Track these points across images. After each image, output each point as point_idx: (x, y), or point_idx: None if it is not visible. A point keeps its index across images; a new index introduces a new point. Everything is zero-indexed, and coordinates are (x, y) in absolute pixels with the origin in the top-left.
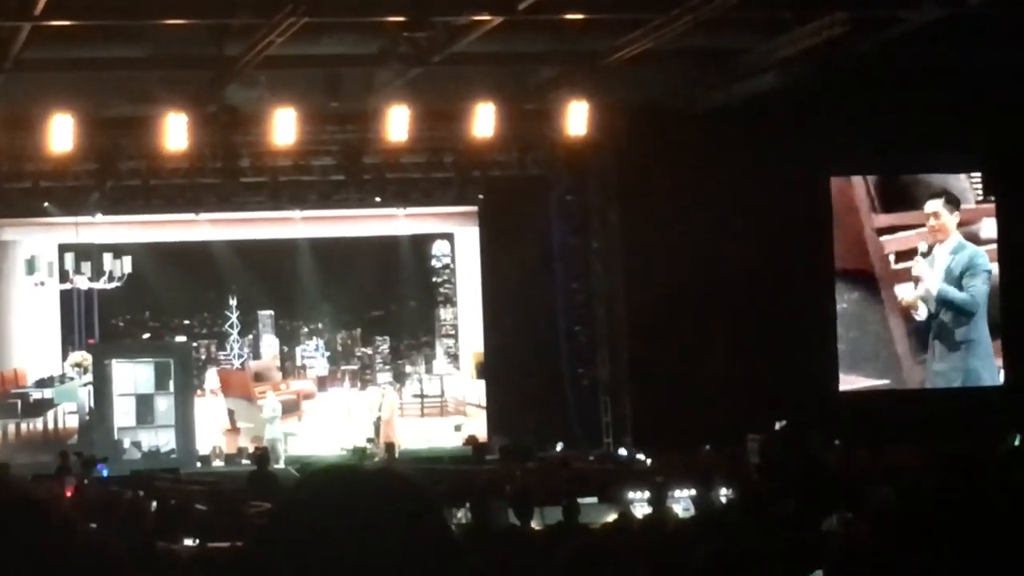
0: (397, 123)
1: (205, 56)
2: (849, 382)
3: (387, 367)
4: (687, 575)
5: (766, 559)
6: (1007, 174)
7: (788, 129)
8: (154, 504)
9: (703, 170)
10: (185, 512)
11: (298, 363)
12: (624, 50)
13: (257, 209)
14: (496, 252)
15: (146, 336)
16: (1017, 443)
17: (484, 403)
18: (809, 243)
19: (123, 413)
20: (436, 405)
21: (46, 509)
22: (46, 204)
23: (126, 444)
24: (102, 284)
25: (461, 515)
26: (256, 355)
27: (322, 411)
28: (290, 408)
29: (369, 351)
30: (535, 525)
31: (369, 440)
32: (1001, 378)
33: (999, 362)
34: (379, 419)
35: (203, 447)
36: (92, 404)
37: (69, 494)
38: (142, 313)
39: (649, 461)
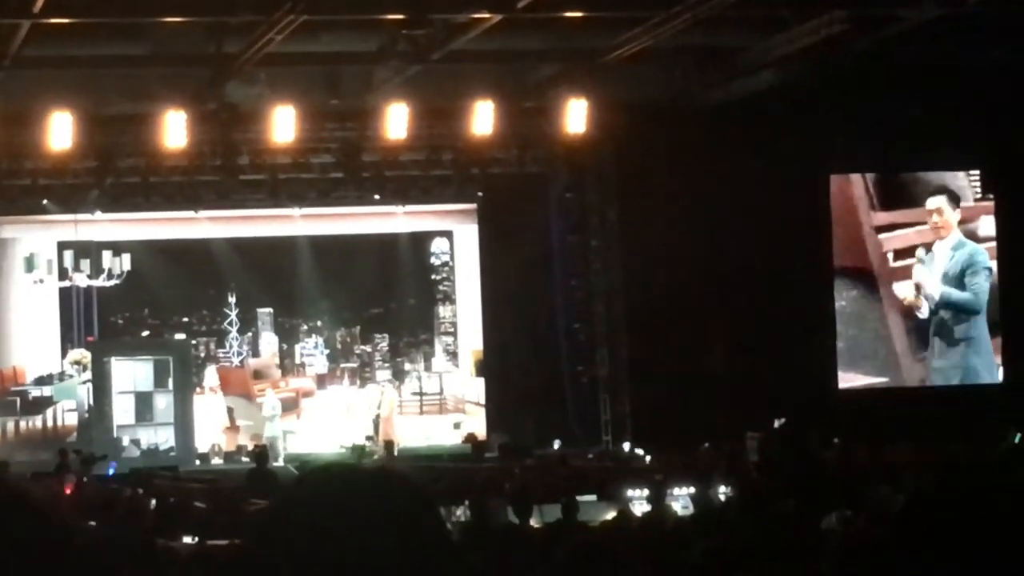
0: (396, 121)
1: (204, 54)
2: (848, 380)
3: (386, 365)
4: (686, 573)
5: (765, 557)
6: (1006, 172)
7: (787, 127)
8: (153, 502)
9: (702, 168)
10: (184, 510)
11: (297, 361)
12: (623, 48)
13: (256, 207)
14: (495, 250)
15: (145, 334)
16: (1017, 441)
17: (483, 401)
18: (808, 241)
19: (122, 411)
20: (435, 403)
21: (44, 509)
22: (45, 201)
23: (125, 442)
24: (101, 282)
25: (460, 513)
26: (255, 353)
27: (321, 409)
28: (289, 406)
29: (368, 349)
30: (534, 523)
31: (368, 438)
32: (1000, 376)
33: (998, 360)
34: (378, 417)
35: (202, 445)
36: (91, 402)
37: (68, 492)
38: (141, 311)
39: (648, 459)
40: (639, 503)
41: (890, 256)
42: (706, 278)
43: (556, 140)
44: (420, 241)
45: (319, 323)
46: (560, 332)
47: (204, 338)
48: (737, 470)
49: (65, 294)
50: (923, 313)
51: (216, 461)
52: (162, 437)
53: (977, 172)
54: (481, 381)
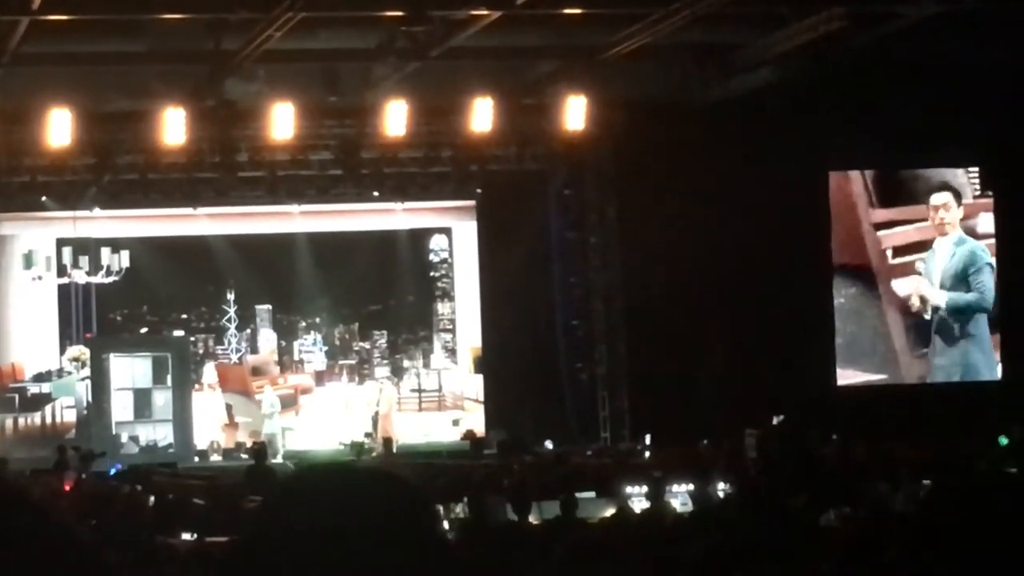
0: (395, 117)
1: (203, 50)
2: (847, 377)
3: (385, 361)
4: (685, 570)
5: (764, 554)
6: (1005, 169)
7: (786, 124)
8: (152, 499)
9: (701, 165)
10: (183, 507)
11: (296, 357)
12: (622, 45)
13: (255, 203)
14: (494, 247)
15: (144, 330)
16: (1004, 443)
17: (482, 398)
18: (807, 238)
19: (121, 407)
20: (434, 399)
21: (43, 507)
22: (44, 198)
23: (124, 438)
24: (100, 278)
25: (459, 510)
26: (254, 349)
27: (320, 405)
28: (288, 402)
29: (367, 345)
30: (533, 520)
31: (367, 435)
32: (999, 373)
33: (998, 356)
34: (377, 413)
35: (201, 442)
36: (90, 398)
37: (67, 489)
38: (140, 307)
39: (647, 455)
40: (638, 500)
41: (889, 253)
42: (705, 275)
43: (555, 137)
44: (419, 238)
45: (318, 320)
46: (559, 329)
47: (203, 335)
48: (736, 467)
49: (64, 291)
50: (927, 315)
51: (215, 458)
52: (161, 434)
53: (976, 169)
54: (480, 378)
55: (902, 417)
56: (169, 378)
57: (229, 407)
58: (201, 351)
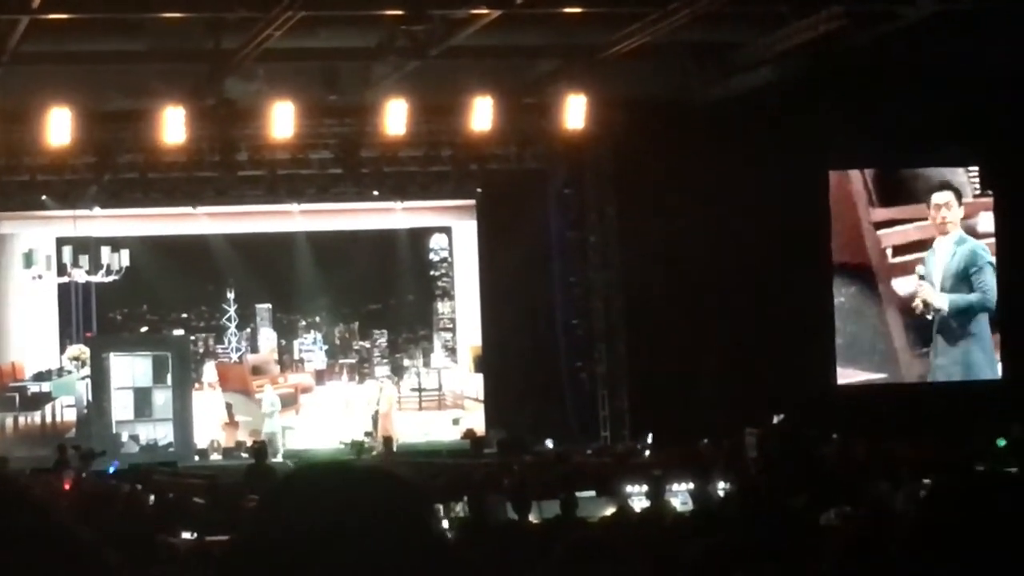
0: (395, 117)
1: (203, 50)
2: (846, 376)
3: (385, 361)
4: (685, 569)
5: (764, 553)
6: (1005, 168)
7: (786, 123)
8: (152, 498)
9: (701, 164)
10: (183, 506)
11: (296, 357)
12: (622, 44)
13: (255, 202)
14: (494, 246)
15: (144, 329)
16: (1003, 444)
17: (482, 397)
18: (807, 237)
19: (121, 406)
20: (434, 399)
21: (42, 506)
22: (44, 197)
23: (124, 438)
24: (100, 277)
25: (459, 509)
26: (254, 348)
27: (320, 405)
28: (288, 402)
29: (367, 345)
30: (533, 519)
31: (367, 434)
32: (999, 372)
33: (998, 356)
34: (377, 413)
35: (201, 441)
36: (90, 397)
37: (67, 488)
38: (140, 306)
39: (647, 454)
40: (638, 499)
41: (889, 252)
42: (705, 274)
43: (555, 136)
44: (419, 237)
45: (318, 319)
46: (559, 328)
47: (203, 334)
48: (736, 466)
49: (64, 290)
50: (929, 315)
51: (215, 457)
52: (161, 433)
53: (976, 168)
54: (480, 377)
55: (902, 416)
56: (169, 377)
57: (229, 406)
58: (201, 350)
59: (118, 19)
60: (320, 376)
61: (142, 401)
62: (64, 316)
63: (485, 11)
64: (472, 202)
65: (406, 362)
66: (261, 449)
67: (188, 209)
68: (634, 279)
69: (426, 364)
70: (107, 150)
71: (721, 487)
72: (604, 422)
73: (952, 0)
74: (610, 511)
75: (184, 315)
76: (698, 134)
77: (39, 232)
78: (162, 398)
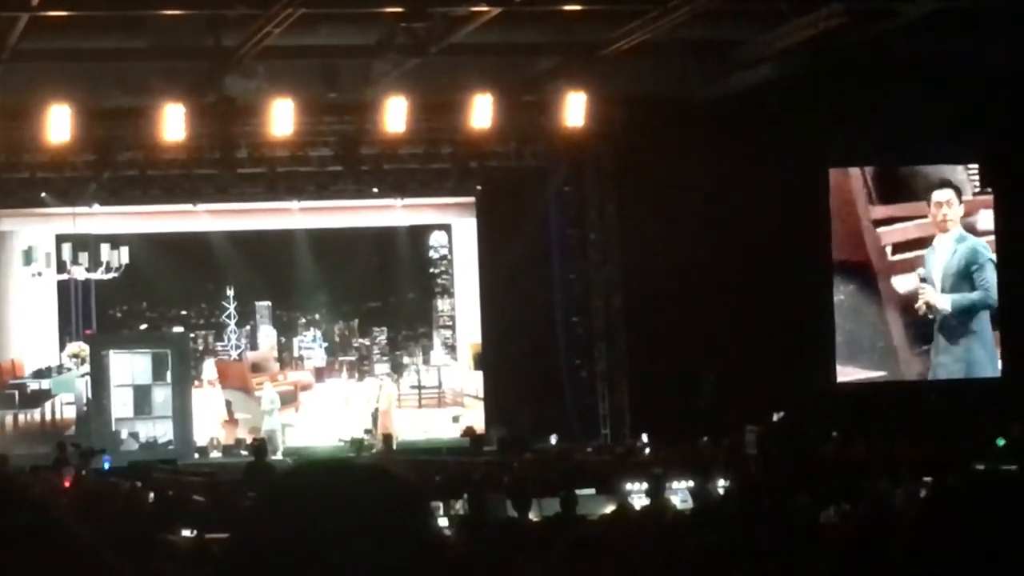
0: (395, 114)
1: (203, 47)
2: (846, 374)
3: (385, 358)
4: (685, 567)
5: (763, 551)
6: (1005, 165)
7: (786, 120)
8: (151, 495)
9: (700, 161)
10: (183, 503)
11: (296, 354)
12: (622, 41)
13: (255, 200)
14: (494, 243)
15: (143, 327)
16: (1003, 443)
17: (482, 394)
18: (807, 234)
19: (121, 404)
20: (434, 396)
21: (41, 504)
22: (43, 194)
23: (124, 435)
24: (99, 275)
25: (459, 506)
26: (254, 346)
27: (320, 402)
28: (288, 399)
29: (367, 342)
30: (533, 516)
31: (367, 431)
32: (999, 370)
33: (999, 354)
34: (377, 410)
35: (201, 438)
36: (90, 395)
37: (67, 485)
38: (139, 304)
39: (647, 452)
40: (638, 497)
41: (888, 250)
42: (705, 272)
43: (555, 134)
44: (418, 234)
45: (317, 316)
46: (559, 326)
47: (202, 331)
48: (736, 464)
49: (63, 287)
50: (931, 314)
51: (215, 454)
52: (160, 430)
53: (976, 166)
54: (479, 374)
55: (902, 414)
56: (169, 374)
57: (229, 403)
58: (201, 347)
59: (118, 16)
60: (320, 373)
61: (142, 398)
62: (64, 313)
63: (485, 8)
64: (472, 199)
65: (406, 359)
66: (261, 447)
67: (188, 206)
68: (634, 277)
69: (426, 361)
70: (107, 147)
71: (721, 485)
72: (604, 420)
73: None
74: (610, 509)
75: (184, 312)
76: (698, 131)
77: (39, 229)
78: (162, 395)
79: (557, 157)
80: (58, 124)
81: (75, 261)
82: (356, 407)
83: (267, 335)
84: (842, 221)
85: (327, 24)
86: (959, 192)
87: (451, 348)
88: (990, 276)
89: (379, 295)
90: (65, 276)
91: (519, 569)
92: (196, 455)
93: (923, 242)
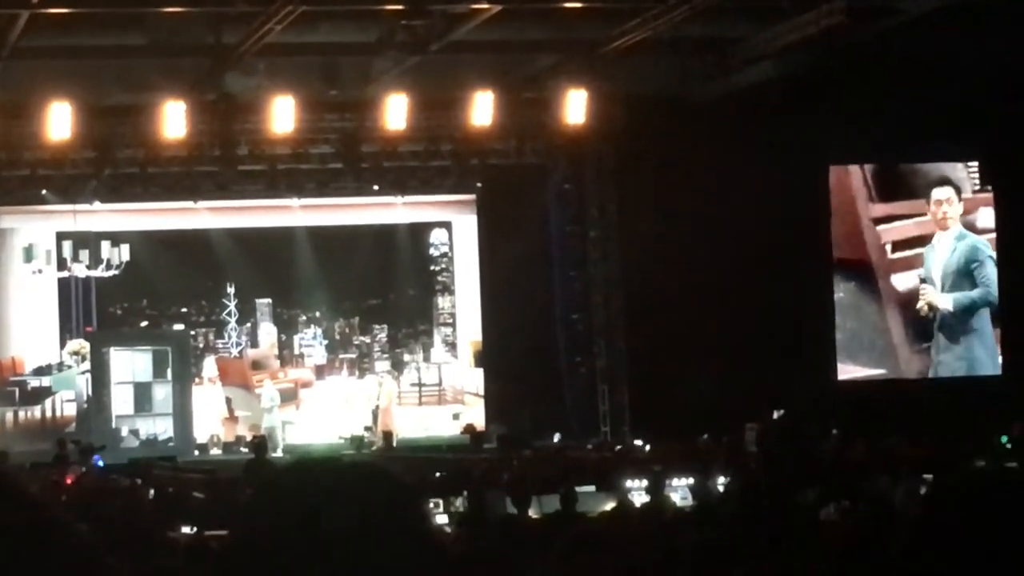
0: (395, 111)
1: (203, 44)
2: (846, 372)
3: (385, 356)
4: (685, 564)
5: (764, 548)
6: (1005, 163)
7: (785, 118)
8: (152, 492)
9: (700, 159)
10: (183, 500)
11: (296, 351)
12: (622, 39)
13: (255, 197)
14: (494, 241)
15: (144, 324)
16: (1005, 440)
17: (482, 392)
18: (807, 232)
19: (121, 401)
20: (434, 394)
21: (41, 506)
22: (44, 192)
23: (124, 432)
24: (100, 272)
25: (459, 504)
26: (254, 343)
27: (320, 400)
28: (288, 396)
29: (367, 339)
30: (532, 514)
31: (367, 429)
32: (1000, 368)
33: (999, 352)
34: (377, 408)
35: (201, 435)
36: (90, 392)
37: (68, 482)
38: (140, 301)
39: (647, 449)
40: (638, 494)
41: (888, 248)
42: (705, 270)
43: (555, 131)
44: (419, 232)
45: (318, 314)
46: (559, 323)
47: (203, 328)
48: (736, 461)
49: (64, 284)
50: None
51: (215, 452)
52: (161, 427)
53: (975, 163)
54: (480, 372)
55: (902, 412)
56: (169, 372)
57: (229, 401)
58: (201, 345)
59: (118, 13)
60: (320, 371)
61: (142, 396)
62: (64, 311)
63: (485, 6)
64: (472, 197)
65: (406, 357)
66: (261, 444)
67: (188, 204)
68: (634, 274)
69: (426, 359)
70: (107, 145)
71: (721, 482)
72: (604, 417)
73: None
74: (610, 506)
75: (184, 310)
76: (698, 129)
77: (39, 227)
78: (162, 393)
79: (557, 154)
80: (59, 121)
81: (76, 258)
82: (356, 405)
83: (267, 332)
84: (842, 219)
85: (328, 21)
86: (958, 190)
87: (451, 345)
88: (991, 273)
89: (379, 292)
90: (66, 273)
91: (519, 566)
92: (196, 452)
93: (923, 240)
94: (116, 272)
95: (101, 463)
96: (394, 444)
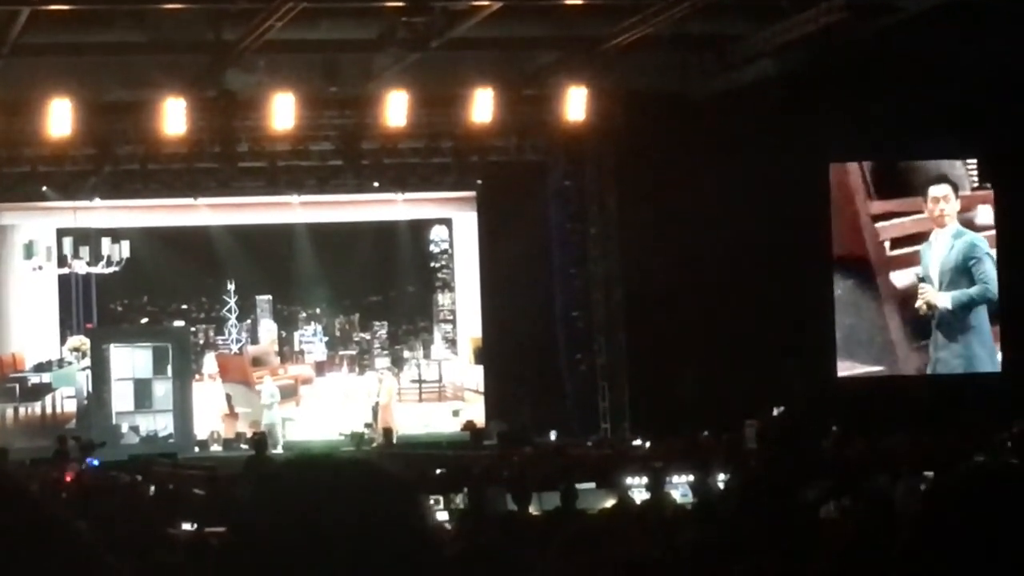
0: (395, 108)
1: (204, 41)
2: (844, 368)
3: (385, 352)
4: (685, 561)
5: (763, 545)
6: (1004, 161)
7: (785, 115)
8: (152, 489)
9: (700, 156)
10: (183, 497)
11: (296, 348)
12: (622, 36)
13: (255, 194)
14: (494, 238)
15: (144, 321)
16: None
17: (482, 389)
18: (806, 229)
19: (121, 398)
20: (434, 390)
21: (41, 504)
22: (44, 188)
23: (124, 429)
24: (100, 268)
25: (459, 500)
26: (254, 340)
27: (320, 396)
28: (288, 393)
29: (367, 336)
30: (533, 511)
31: (367, 425)
32: (999, 365)
33: (998, 348)
34: (377, 404)
35: (201, 432)
36: (90, 389)
37: (68, 479)
38: (140, 298)
39: (647, 446)
40: (638, 491)
41: (887, 245)
42: (704, 266)
43: (555, 128)
44: (419, 229)
45: (318, 310)
46: (559, 320)
47: (203, 325)
48: (736, 458)
49: (64, 281)
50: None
51: (215, 448)
52: (161, 424)
53: (974, 161)
54: (480, 369)
55: (902, 409)
56: (169, 368)
57: (229, 397)
58: (201, 341)
59: (118, 10)
60: (320, 367)
61: (142, 392)
62: (64, 307)
63: (486, 3)
64: (472, 194)
65: (406, 354)
66: (261, 440)
67: (188, 200)
68: (634, 271)
69: (426, 356)
70: (108, 141)
71: (721, 479)
72: (604, 414)
73: None
74: (610, 503)
75: (184, 306)
76: (698, 126)
77: (40, 223)
78: (162, 389)
79: (557, 151)
80: (59, 118)
81: (76, 255)
82: (356, 401)
83: (267, 329)
84: (840, 216)
85: (328, 18)
86: (956, 187)
87: (451, 342)
88: (989, 270)
89: (380, 289)
90: (66, 270)
91: (519, 563)
92: (196, 449)
93: (921, 237)
94: (116, 269)
95: (96, 463)
96: (394, 441)
